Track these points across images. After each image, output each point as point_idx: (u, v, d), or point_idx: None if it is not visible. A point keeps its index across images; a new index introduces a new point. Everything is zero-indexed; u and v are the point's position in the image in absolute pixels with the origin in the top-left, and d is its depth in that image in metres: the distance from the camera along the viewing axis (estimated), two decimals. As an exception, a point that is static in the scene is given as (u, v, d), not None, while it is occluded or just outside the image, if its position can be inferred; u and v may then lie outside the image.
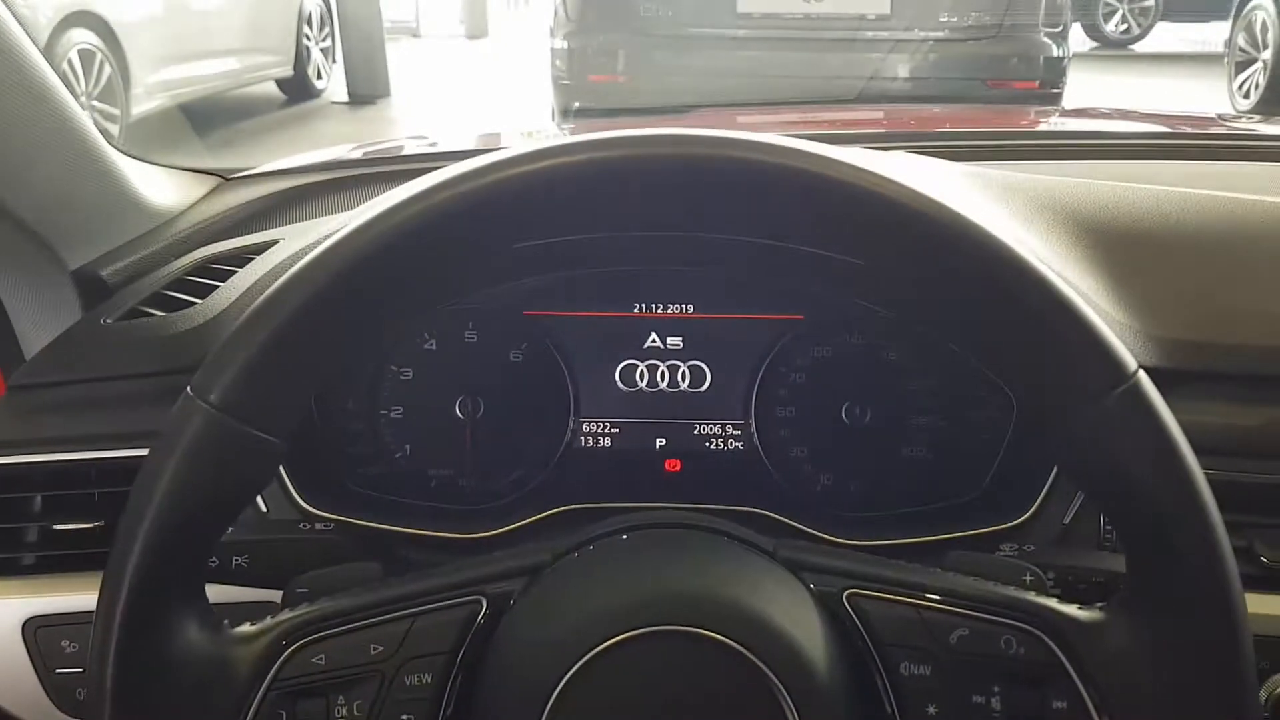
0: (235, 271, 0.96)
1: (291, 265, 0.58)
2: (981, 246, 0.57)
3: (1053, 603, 0.61)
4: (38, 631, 0.84)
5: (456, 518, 0.91)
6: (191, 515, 0.57)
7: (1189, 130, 1.46)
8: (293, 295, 0.57)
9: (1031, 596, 0.61)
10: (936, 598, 0.61)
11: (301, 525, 0.77)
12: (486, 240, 0.60)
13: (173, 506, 0.57)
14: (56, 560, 0.86)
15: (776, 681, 0.57)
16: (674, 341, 0.94)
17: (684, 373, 0.94)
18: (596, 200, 0.59)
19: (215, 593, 0.74)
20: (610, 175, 0.58)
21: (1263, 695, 0.80)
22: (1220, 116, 1.68)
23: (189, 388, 0.58)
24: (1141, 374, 0.57)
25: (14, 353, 0.96)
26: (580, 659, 0.57)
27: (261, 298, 0.58)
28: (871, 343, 0.93)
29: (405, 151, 1.50)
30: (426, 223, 0.57)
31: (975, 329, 0.60)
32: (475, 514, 0.92)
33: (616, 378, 0.94)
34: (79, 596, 0.84)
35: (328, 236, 0.58)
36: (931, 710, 0.60)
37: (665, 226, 0.63)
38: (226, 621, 0.61)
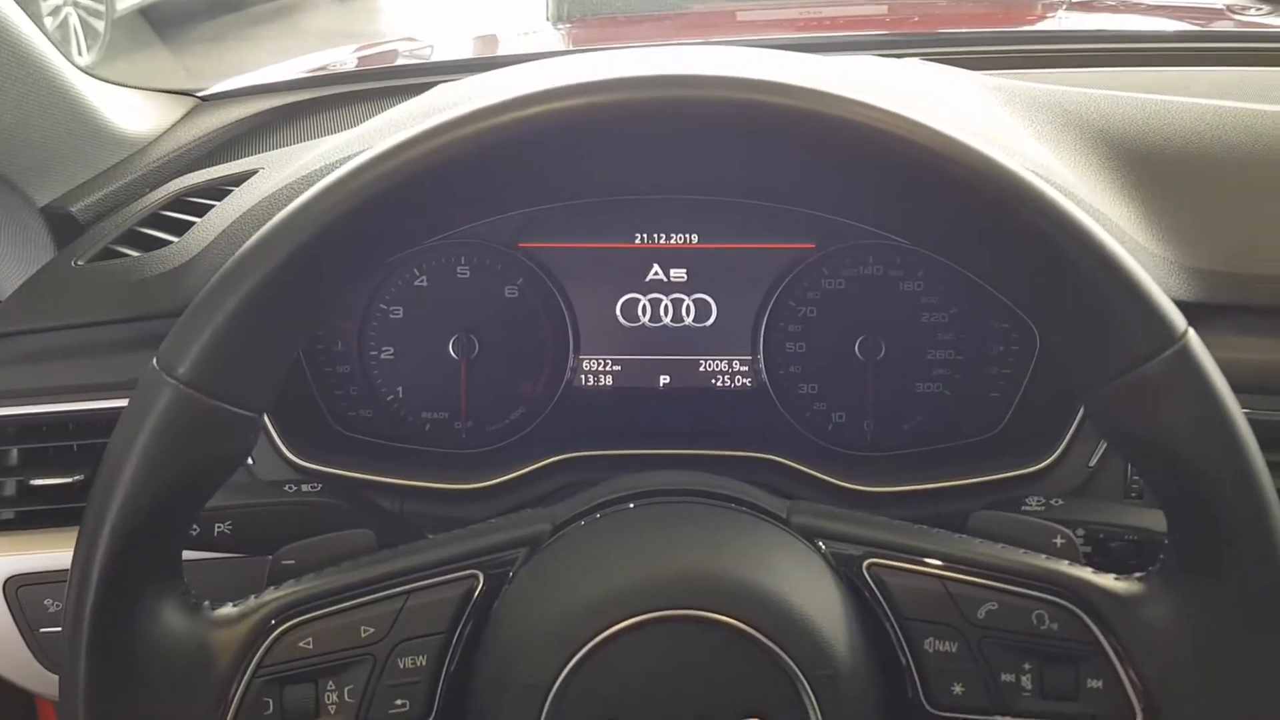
0: (213, 205, 0.90)
1: (269, 202, 0.53)
2: (1020, 196, 0.51)
3: (1087, 573, 0.57)
4: (19, 590, 0.81)
5: (453, 465, 0.87)
6: (162, 498, 0.53)
7: (1223, 30, 1.38)
8: (260, 260, 0.52)
9: (1065, 567, 0.57)
10: (963, 568, 0.57)
11: (288, 487, 0.73)
12: (467, 195, 0.54)
13: (141, 490, 0.53)
14: (37, 516, 0.83)
15: (794, 666, 0.54)
16: (677, 274, 0.89)
17: (688, 307, 0.90)
18: (580, 151, 0.54)
19: (196, 555, 0.71)
20: (595, 124, 0.52)
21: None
22: (1229, 7, 1.59)
23: (154, 360, 0.54)
24: (1192, 334, 0.52)
25: (-20, 298, 0.91)
26: (584, 646, 0.54)
27: (228, 262, 0.53)
28: (887, 273, 0.88)
29: (396, 63, 1.42)
30: (403, 179, 0.52)
31: (1012, 281, 0.55)
32: (473, 460, 0.88)
33: (618, 313, 0.90)
34: (62, 553, 0.80)
35: (302, 183, 0.53)
36: (958, 689, 0.57)
37: (657, 179, 0.58)
38: (207, 603, 0.57)
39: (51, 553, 0.81)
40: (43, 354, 0.83)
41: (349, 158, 0.54)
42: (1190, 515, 0.54)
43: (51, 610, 0.81)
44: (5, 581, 0.81)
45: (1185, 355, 0.52)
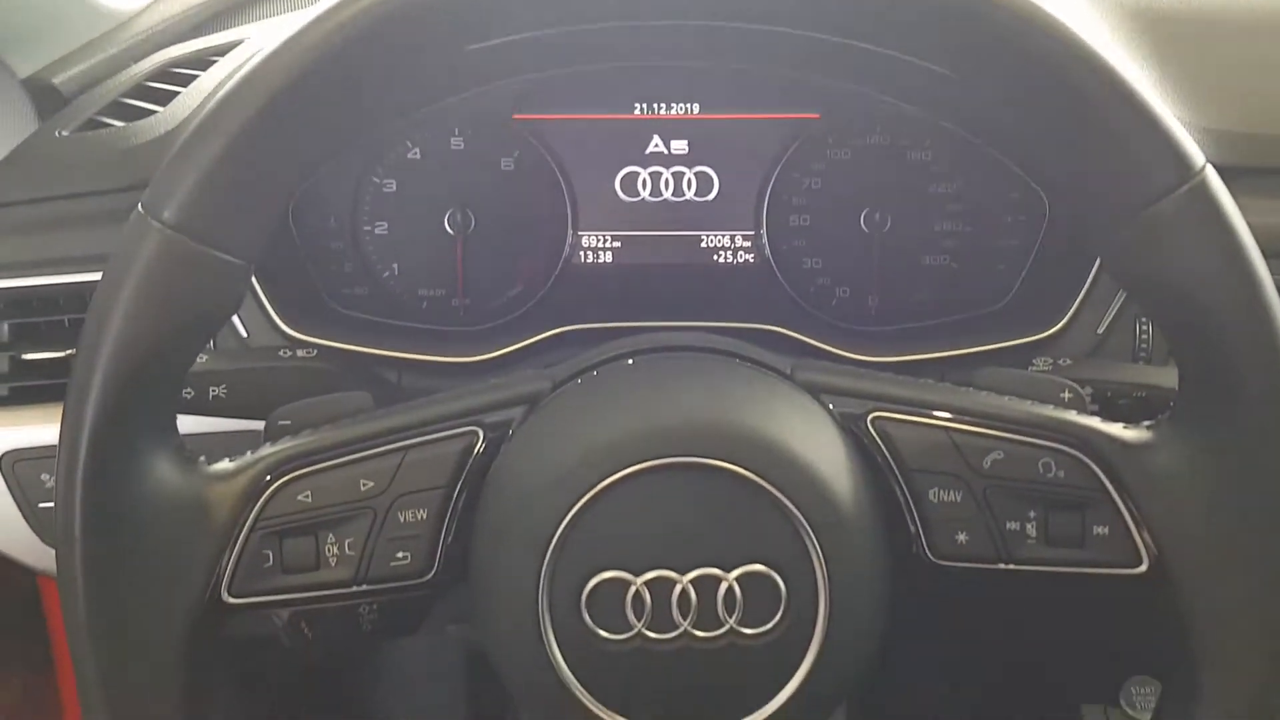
0: (198, 75, 0.87)
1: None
2: (1037, 26, 0.49)
3: (1095, 422, 0.56)
4: (16, 466, 0.80)
5: (450, 340, 0.86)
6: (153, 345, 0.52)
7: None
8: (246, 98, 0.51)
9: (1072, 416, 0.56)
10: (968, 419, 0.56)
11: (283, 352, 0.72)
12: (460, 35, 0.52)
13: (131, 337, 0.52)
14: (30, 392, 0.82)
15: (797, 514, 0.53)
16: (678, 146, 0.87)
17: (689, 180, 0.87)
18: None
19: (190, 424, 0.70)
20: None
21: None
22: None
23: (140, 205, 0.52)
24: (1209, 169, 0.51)
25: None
26: (585, 496, 0.53)
27: (213, 102, 0.51)
28: (894, 142, 0.86)
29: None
30: (394, 10, 0.50)
31: (1020, 120, 0.53)
32: (470, 336, 0.87)
33: (617, 187, 0.88)
34: (56, 429, 0.80)
35: (288, 31, 0.51)
36: (962, 539, 0.56)
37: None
38: (203, 458, 0.57)
39: (47, 428, 0.80)
40: (29, 226, 0.82)
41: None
42: (1202, 360, 0.53)
43: (49, 485, 0.80)
44: (3, 456, 0.80)
45: (1203, 191, 0.51)
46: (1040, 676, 1.09)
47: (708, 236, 0.89)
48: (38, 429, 0.80)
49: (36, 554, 0.82)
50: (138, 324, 0.52)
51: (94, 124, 0.86)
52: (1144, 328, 0.79)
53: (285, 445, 0.57)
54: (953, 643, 0.97)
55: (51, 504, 0.79)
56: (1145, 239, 0.51)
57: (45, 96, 0.90)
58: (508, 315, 0.89)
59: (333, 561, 0.56)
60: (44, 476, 0.80)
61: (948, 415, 0.57)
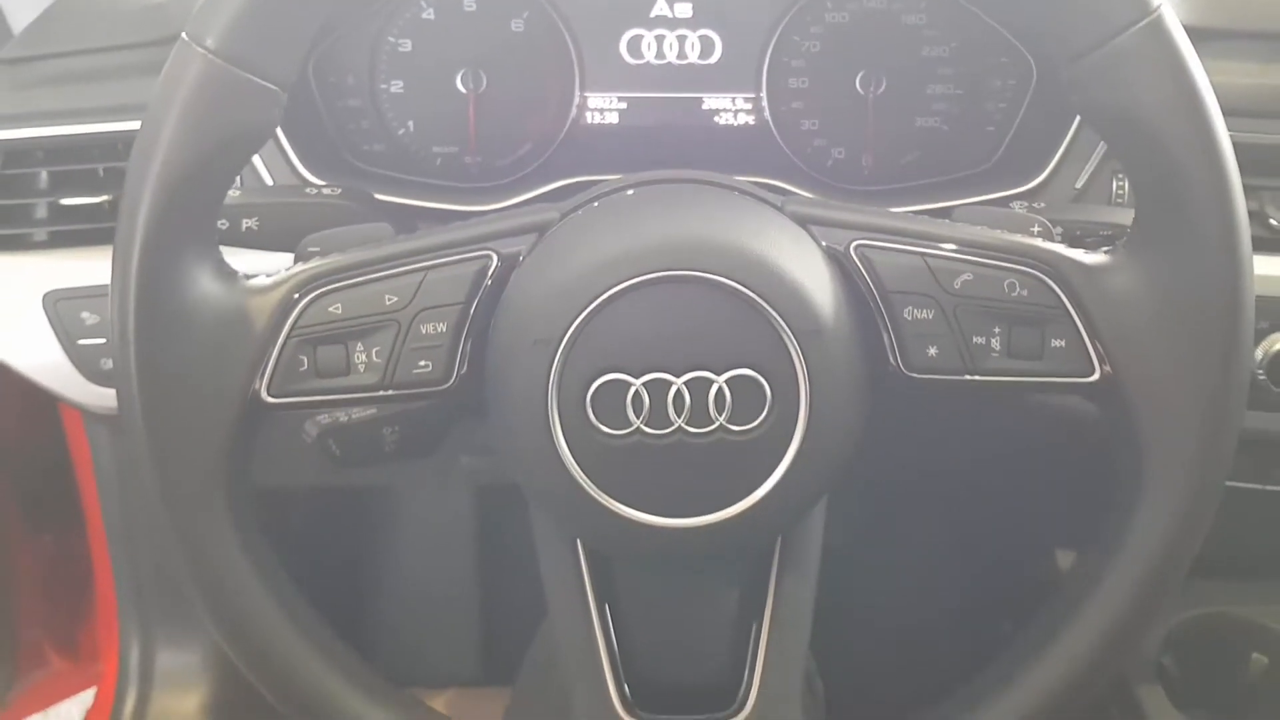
0: None
1: None
2: None
3: (1057, 248, 0.61)
4: (58, 304, 0.85)
5: (463, 195, 0.90)
6: (197, 162, 0.57)
7: None
8: None
9: (1038, 242, 0.61)
10: (944, 247, 0.61)
11: (309, 190, 0.77)
12: None
13: (179, 153, 0.56)
14: (69, 236, 0.87)
15: (782, 322, 0.58)
16: (682, 9, 0.90)
17: (693, 43, 0.91)
18: None
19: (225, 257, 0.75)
20: None
21: (1259, 353, 0.82)
22: None
23: (184, 34, 0.57)
24: (1166, 9, 0.55)
25: (1, 28, 0.92)
26: (591, 303, 0.58)
27: None
28: (889, 7, 0.89)
29: None
30: None
31: None
32: (482, 191, 0.92)
33: (623, 49, 0.91)
34: (94, 270, 0.85)
35: None
36: (933, 352, 0.61)
37: None
38: (242, 272, 0.62)
39: (85, 269, 0.85)
40: (66, 78, 0.86)
41: None
42: (1156, 188, 0.58)
43: (89, 322, 0.85)
44: (44, 296, 0.85)
45: (1158, 27, 0.55)
46: (1014, 521, 1.16)
47: (709, 98, 0.92)
48: (76, 270, 0.85)
49: (76, 387, 0.87)
50: (184, 140, 0.56)
51: None
52: (1119, 183, 0.83)
53: (316, 263, 0.62)
54: (928, 474, 1.04)
55: (89, 340, 0.86)
56: (1106, 72, 0.56)
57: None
58: (517, 173, 0.93)
59: (361, 368, 0.61)
60: (84, 314, 0.85)
61: (924, 242, 0.62)
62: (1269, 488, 0.92)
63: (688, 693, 0.67)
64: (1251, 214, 0.74)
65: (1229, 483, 0.61)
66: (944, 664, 0.68)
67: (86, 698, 1.37)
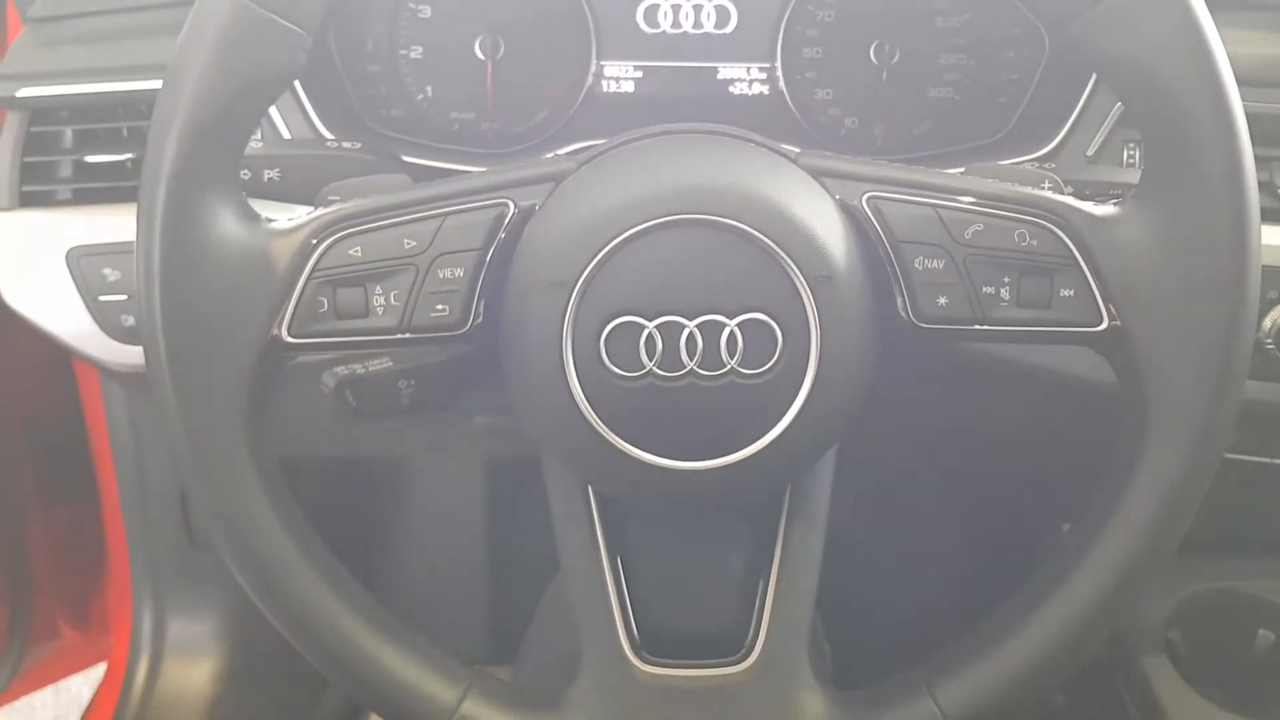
0: None
1: None
2: None
3: (1067, 199, 0.61)
4: (81, 260, 0.86)
5: (479, 159, 0.91)
6: (223, 101, 0.58)
7: None
8: None
9: (1047, 194, 0.62)
10: (955, 198, 0.62)
11: (329, 143, 0.78)
12: None
13: (205, 91, 0.58)
14: (92, 193, 0.88)
15: (794, 267, 0.59)
16: None
17: (708, 12, 0.92)
18: None
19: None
20: None
21: (1267, 323, 0.82)
22: None
23: None
24: None
25: (24, -12, 0.94)
26: (606, 246, 0.59)
27: None
28: None
29: None
30: None
31: None
32: (498, 156, 0.93)
33: (639, 18, 0.92)
34: (116, 227, 0.86)
35: None
36: (943, 301, 0.62)
37: None
38: (264, 216, 0.63)
39: (107, 226, 0.86)
40: (90, 37, 0.87)
41: None
42: (1165, 138, 0.59)
43: (110, 279, 0.86)
44: (68, 253, 0.86)
45: None
46: (1020, 493, 1.16)
47: (724, 68, 0.93)
48: (100, 227, 0.86)
49: (97, 344, 0.88)
50: (210, 80, 0.57)
51: None
52: (1130, 152, 0.84)
53: (336, 208, 0.63)
54: (934, 445, 1.04)
55: (111, 296, 0.87)
56: (1115, 21, 0.56)
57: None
58: (533, 139, 0.94)
59: (380, 310, 0.62)
60: (105, 271, 0.86)
61: (935, 194, 0.63)
62: (1276, 461, 0.93)
63: (696, 640, 0.68)
64: (1261, 185, 0.75)
65: (1236, 455, 0.61)
66: (949, 635, 0.69)
67: (97, 673, 1.38)
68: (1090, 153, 0.84)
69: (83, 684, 1.43)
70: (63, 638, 1.42)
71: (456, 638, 1.47)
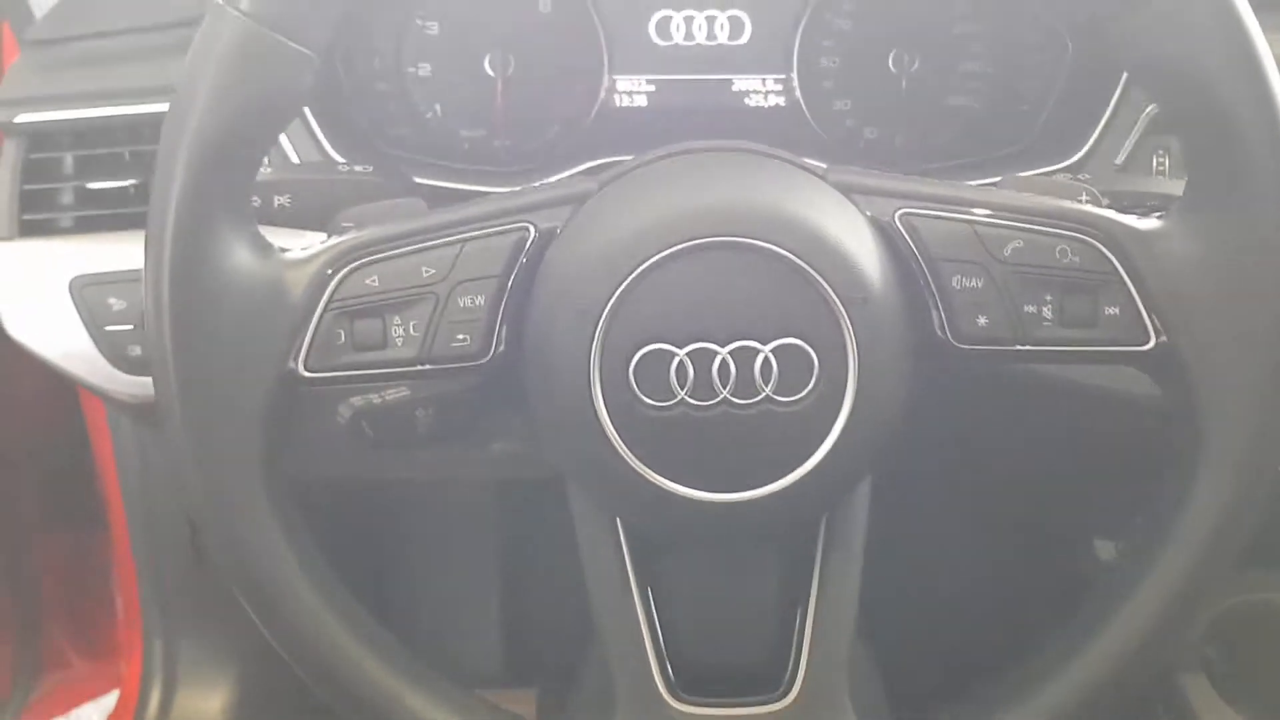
0: None
1: None
2: None
3: (1110, 213, 0.59)
4: (85, 289, 0.84)
5: (491, 177, 0.89)
6: (232, 126, 0.56)
7: None
8: None
9: (1089, 208, 0.60)
10: (991, 213, 0.60)
11: (341, 167, 0.76)
12: None
13: (214, 117, 0.56)
14: (94, 220, 0.86)
15: (830, 291, 0.57)
16: None
17: (722, 24, 0.90)
18: None
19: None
20: None
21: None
22: None
23: None
24: None
25: (23, 11, 0.92)
26: (633, 271, 0.57)
27: None
28: None
29: None
30: None
31: None
32: (510, 174, 0.91)
33: (651, 31, 0.90)
34: (121, 255, 0.84)
35: None
36: (983, 321, 0.60)
37: None
38: (278, 246, 0.61)
39: (111, 254, 0.84)
40: (91, 60, 0.85)
41: None
42: (1210, 146, 0.56)
43: (116, 308, 0.84)
44: (71, 281, 0.84)
45: None
46: (1060, 510, 1.14)
47: (740, 80, 0.91)
48: (103, 255, 0.84)
49: (102, 374, 0.86)
50: (219, 105, 0.55)
51: None
52: (1160, 160, 0.82)
53: (352, 236, 0.61)
54: (973, 463, 1.02)
55: (116, 326, 0.85)
56: (1156, 23, 0.54)
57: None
58: (545, 156, 0.92)
59: (399, 341, 0.60)
60: (110, 300, 0.84)
61: (971, 209, 0.60)
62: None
63: (733, 678, 0.66)
64: None
65: None
66: (992, 655, 0.67)
67: (108, 702, 1.36)
68: (1119, 161, 0.82)
69: (94, 712, 1.41)
70: (73, 666, 1.41)
71: (471, 662, 1.45)
